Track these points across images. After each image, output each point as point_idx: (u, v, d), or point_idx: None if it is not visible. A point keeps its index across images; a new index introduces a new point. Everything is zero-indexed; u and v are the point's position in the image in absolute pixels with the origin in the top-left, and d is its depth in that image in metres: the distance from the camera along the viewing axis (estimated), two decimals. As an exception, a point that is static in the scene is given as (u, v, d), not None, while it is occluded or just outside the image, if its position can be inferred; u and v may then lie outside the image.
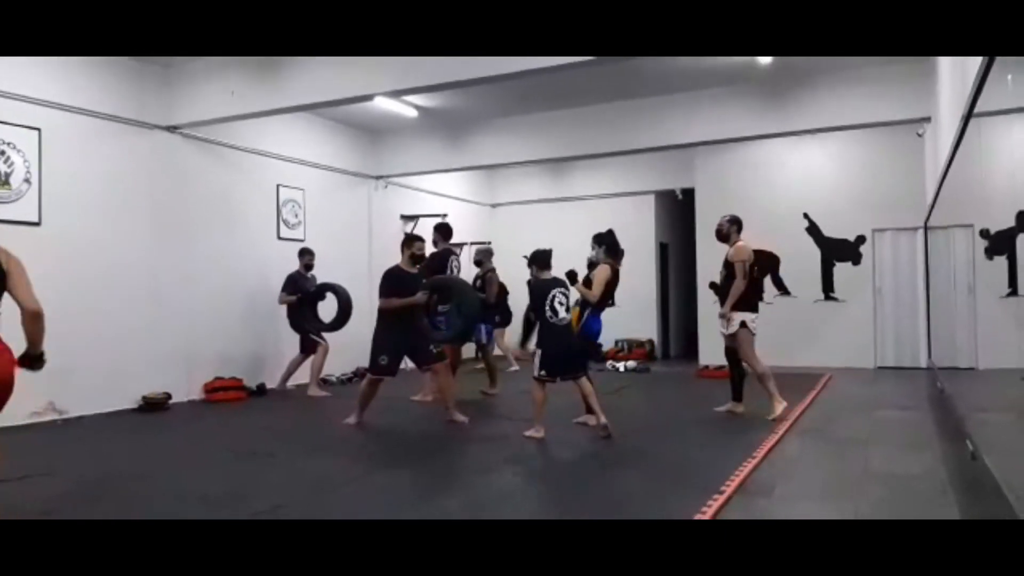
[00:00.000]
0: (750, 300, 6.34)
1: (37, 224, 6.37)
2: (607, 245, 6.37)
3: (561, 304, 5.54)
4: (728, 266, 6.41)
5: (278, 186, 9.07)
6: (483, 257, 8.25)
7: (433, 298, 6.22)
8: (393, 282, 6.10)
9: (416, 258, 6.28)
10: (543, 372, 5.54)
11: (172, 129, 7.61)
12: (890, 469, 4.55)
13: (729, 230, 6.50)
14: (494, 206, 13.65)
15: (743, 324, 6.25)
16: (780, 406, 6.19)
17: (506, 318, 9.66)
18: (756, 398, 6.78)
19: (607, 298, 6.22)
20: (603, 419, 5.45)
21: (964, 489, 3.97)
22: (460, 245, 9.59)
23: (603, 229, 12.33)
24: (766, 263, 10.92)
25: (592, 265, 6.60)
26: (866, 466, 4.61)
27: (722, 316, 6.35)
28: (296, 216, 9.31)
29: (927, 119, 7.82)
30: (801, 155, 10.80)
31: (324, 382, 8.57)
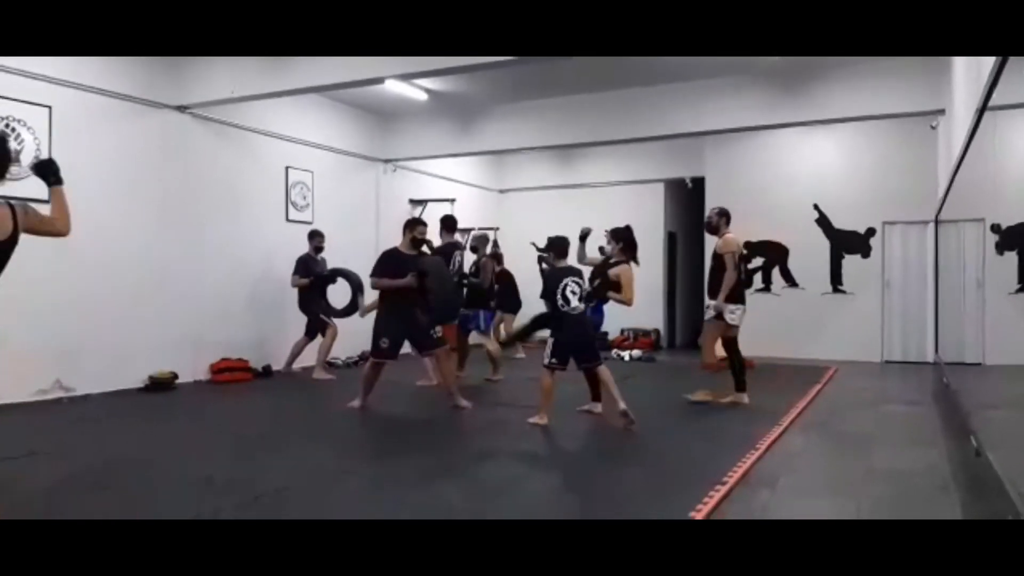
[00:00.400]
0: (735, 291, 6.32)
1: (46, 202, 6.35)
2: (624, 241, 6.29)
3: (574, 293, 5.46)
4: (716, 258, 6.41)
5: (287, 168, 9.07)
6: (479, 243, 8.24)
7: (427, 280, 6.14)
8: (388, 263, 6.08)
9: (417, 242, 6.25)
10: (553, 360, 5.51)
11: (182, 109, 7.61)
12: (893, 465, 4.53)
13: (718, 222, 6.51)
14: (502, 192, 13.62)
15: (719, 315, 6.27)
16: (704, 395, 6.25)
17: (514, 305, 9.59)
18: (761, 390, 6.78)
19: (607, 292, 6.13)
20: (622, 405, 5.34)
21: (967, 486, 3.96)
22: (467, 231, 9.58)
23: (611, 216, 12.25)
24: (775, 254, 10.91)
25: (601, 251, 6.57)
26: (869, 461, 4.60)
27: (717, 310, 6.33)
28: (304, 199, 9.31)
29: (941, 111, 7.75)
30: (812, 146, 10.73)
31: (330, 365, 8.60)
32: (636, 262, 6.30)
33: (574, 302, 5.46)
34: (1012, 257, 4.76)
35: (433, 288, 6.09)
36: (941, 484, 4.01)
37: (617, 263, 6.19)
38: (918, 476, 4.23)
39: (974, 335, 6.34)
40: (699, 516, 3.37)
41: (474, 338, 8.02)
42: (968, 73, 5.07)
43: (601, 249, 6.74)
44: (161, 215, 7.47)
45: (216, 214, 8.06)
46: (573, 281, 5.51)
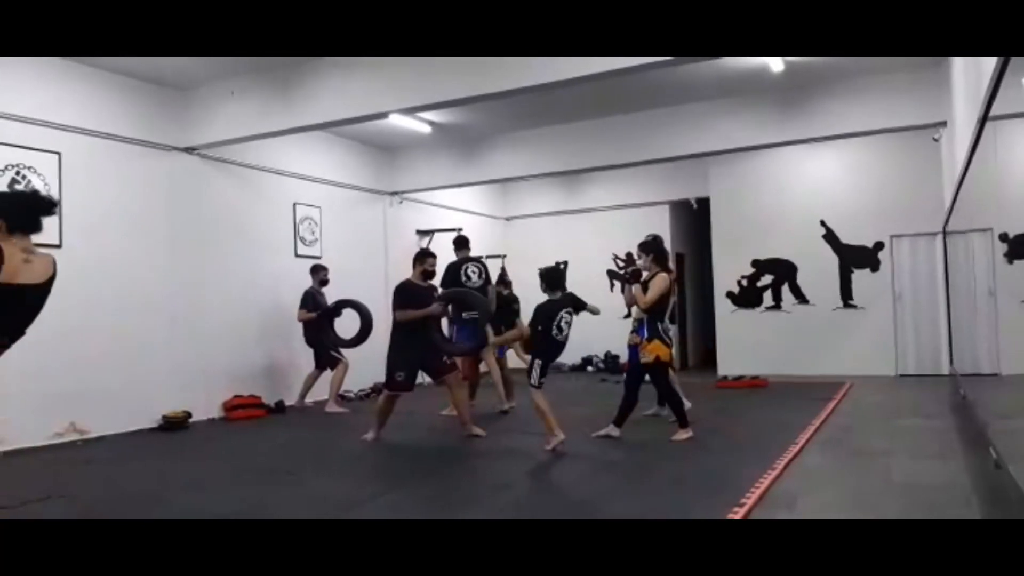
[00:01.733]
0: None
1: (58, 246, 6.44)
2: (655, 253, 6.23)
3: (567, 324, 5.67)
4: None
5: (295, 204, 9.15)
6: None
7: (448, 309, 6.20)
8: (406, 296, 6.15)
9: (428, 274, 6.31)
10: (542, 379, 5.60)
11: (190, 150, 7.71)
12: (913, 479, 4.49)
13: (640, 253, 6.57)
14: (508, 219, 13.68)
15: None
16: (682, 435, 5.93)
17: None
18: (777, 408, 6.73)
19: (661, 311, 6.01)
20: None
21: (989, 499, 3.91)
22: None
23: (618, 240, 12.24)
24: (783, 272, 10.90)
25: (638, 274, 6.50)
26: (888, 476, 4.56)
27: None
28: (313, 233, 9.38)
29: (943, 124, 7.76)
30: (816, 162, 10.75)
31: (342, 398, 8.60)
32: (669, 270, 6.23)
33: (566, 331, 5.69)
34: (1022, 265, 4.73)
35: (479, 313, 6.28)
36: (963, 497, 3.97)
37: (655, 275, 6.13)
38: (939, 490, 4.19)
39: (988, 345, 6.29)
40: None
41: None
42: (968, 84, 5.09)
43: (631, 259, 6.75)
44: (171, 255, 7.54)
45: (226, 252, 8.13)
46: (567, 312, 5.68)
